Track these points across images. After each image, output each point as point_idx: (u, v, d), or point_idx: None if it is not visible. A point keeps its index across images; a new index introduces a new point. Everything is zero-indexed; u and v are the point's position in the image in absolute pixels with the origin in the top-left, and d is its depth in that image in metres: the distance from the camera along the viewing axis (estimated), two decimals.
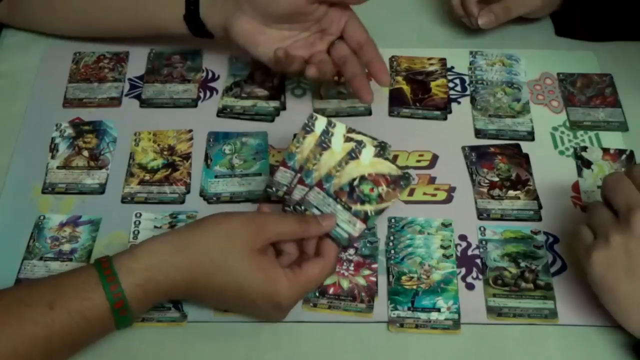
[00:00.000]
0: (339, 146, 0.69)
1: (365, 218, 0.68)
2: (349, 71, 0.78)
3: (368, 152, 0.69)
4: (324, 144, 0.69)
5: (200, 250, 0.62)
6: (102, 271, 0.60)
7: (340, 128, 0.70)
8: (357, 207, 0.67)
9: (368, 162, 0.69)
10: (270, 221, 0.65)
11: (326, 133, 0.69)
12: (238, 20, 0.77)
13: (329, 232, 0.67)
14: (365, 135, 0.71)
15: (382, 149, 0.70)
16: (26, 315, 0.58)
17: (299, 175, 0.69)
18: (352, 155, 0.69)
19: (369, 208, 0.68)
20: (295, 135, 0.70)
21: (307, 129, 0.70)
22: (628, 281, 0.62)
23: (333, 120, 0.70)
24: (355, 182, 0.68)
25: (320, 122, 0.70)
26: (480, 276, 0.72)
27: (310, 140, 0.69)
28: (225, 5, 0.78)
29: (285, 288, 0.63)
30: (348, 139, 0.70)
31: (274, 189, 0.69)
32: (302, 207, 0.68)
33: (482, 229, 0.75)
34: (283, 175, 0.69)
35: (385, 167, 0.69)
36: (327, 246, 0.67)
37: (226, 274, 0.63)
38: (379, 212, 0.68)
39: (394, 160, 0.80)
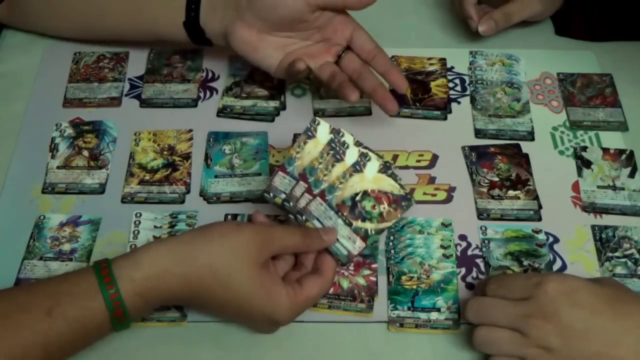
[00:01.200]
0: (351, 160, 0.67)
1: (365, 236, 0.67)
2: (368, 84, 0.77)
3: (373, 166, 0.68)
4: (337, 155, 0.67)
5: (204, 262, 0.61)
6: (102, 279, 0.59)
7: (348, 138, 0.68)
8: (358, 223, 0.67)
9: (372, 177, 0.67)
10: (277, 235, 0.65)
11: (340, 144, 0.68)
12: (238, 27, 0.77)
13: (329, 247, 0.67)
14: (369, 150, 0.69)
15: (385, 167, 0.68)
16: (24, 322, 0.58)
17: (302, 183, 0.67)
18: (357, 167, 0.68)
19: (369, 226, 0.67)
20: (295, 139, 0.69)
21: (309, 133, 0.68)
22: None
23: (340, 129, 0.68)
24: (358, 197, 0.67)
25: (323, 128, 0.68)
26: (481, 276, 0.72)
27: (311, 147, 0.67)
28: (225, 12, 0.78)
29: (285, 308, 0.63)
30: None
31: (271, 194, 0.68)
32: (304, 217, 0.67)
33: (483, 228, 0.75)
34: (281, 182, 0.67)
35: (388, 184, 0.68)
36: (326, 263, 0.67)
37: (228, 290, 0.62)
38: (379, 232, 0.67)
39: (394, 159, 0.80)
